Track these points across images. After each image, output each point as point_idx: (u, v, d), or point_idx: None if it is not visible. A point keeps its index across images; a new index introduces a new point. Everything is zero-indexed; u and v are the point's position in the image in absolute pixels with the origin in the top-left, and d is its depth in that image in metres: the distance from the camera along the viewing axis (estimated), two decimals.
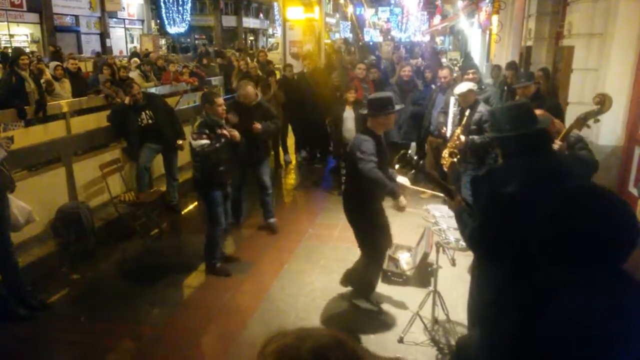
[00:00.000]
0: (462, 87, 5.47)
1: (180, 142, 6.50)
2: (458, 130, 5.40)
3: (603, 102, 3.43)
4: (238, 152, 5.01)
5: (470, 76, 6.47)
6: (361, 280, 4.26)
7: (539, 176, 2.18)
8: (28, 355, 3.75)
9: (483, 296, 2.53)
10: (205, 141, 4.60)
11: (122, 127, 6.29)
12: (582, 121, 3.48)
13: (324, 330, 0.90)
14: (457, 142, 5.33)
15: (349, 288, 4.38)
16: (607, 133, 5.78)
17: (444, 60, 11.82)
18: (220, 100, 4.83)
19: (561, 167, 2.29)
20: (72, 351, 3.79)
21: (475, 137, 5.25)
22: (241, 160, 5.35)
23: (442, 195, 3.84)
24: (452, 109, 5.98)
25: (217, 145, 4.66)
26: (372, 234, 4.04)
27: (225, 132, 4.76)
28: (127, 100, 6.28)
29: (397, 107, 4.05)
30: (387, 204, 4.07)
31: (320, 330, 0.90)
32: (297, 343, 0.85)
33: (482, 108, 5.39)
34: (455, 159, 5.42)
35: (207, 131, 4.63)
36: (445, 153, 5.53)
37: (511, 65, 8.24)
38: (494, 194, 2.19)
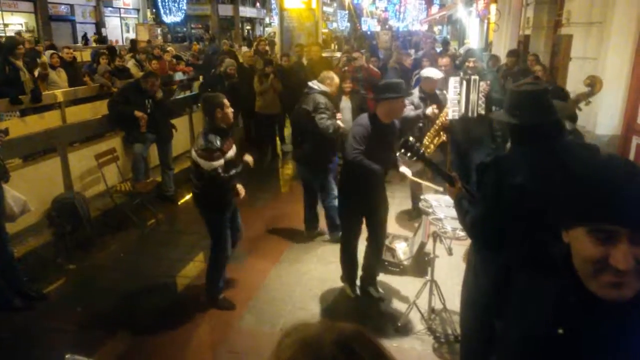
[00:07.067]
0: (436, 74, 5.44)
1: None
2: (447, 110, 5.45)
3: (594, 84, 3.45)
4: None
5: (471, 64, 6.41)
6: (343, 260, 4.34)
7: (549, 167, 2.14)
8: (24, 345, 3.74)
9: (480, 284, 2.52)
10: (221, 162, 3.77)
11: (124, 105, 6.18)
12: (573, 104, 3.50)
13: (346, 323, 0.89)
14: (444, 120, 5.32)
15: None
16: (604, 122, 5.77)
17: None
18: (228, 102, 3.94)
19: (571, 157, 2.23)
20: (68, 341, 3.78)
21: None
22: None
23: (437, 187, 3.86)
24: (452, 93, 5.88)
25: (234, 172, 3.89)
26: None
27: (247, 158, 4.04)
28: (145, 85, 6.22)
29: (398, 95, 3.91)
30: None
31: (342, 323, 0.88)
32: (320, 333, 0.82)
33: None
34: (444, 138, 5.40)
35: (219, 145, 3.75)
36: (431, 135, 5.45)
37: (513, 53, 8.20)
38: (501, 182, 2.14)
